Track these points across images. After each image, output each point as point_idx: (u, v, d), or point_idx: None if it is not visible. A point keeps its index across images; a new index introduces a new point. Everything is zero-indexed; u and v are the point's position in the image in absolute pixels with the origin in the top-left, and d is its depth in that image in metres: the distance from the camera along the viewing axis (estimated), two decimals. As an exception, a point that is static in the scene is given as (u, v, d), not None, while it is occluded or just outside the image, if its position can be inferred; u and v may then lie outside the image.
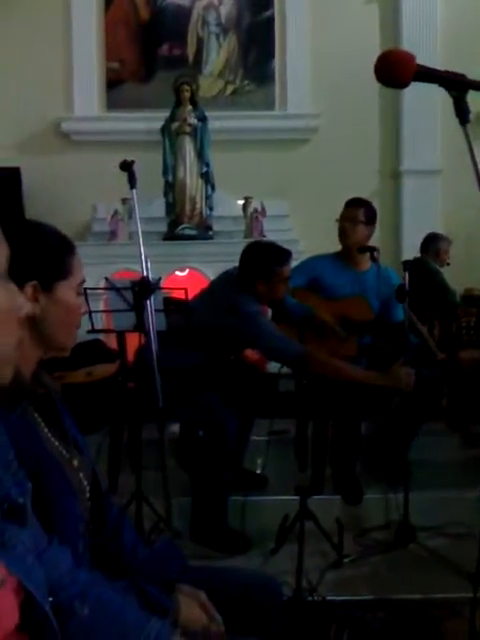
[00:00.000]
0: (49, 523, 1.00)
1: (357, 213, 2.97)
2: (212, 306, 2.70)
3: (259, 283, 2.69)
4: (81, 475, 1.16)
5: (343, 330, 2.91)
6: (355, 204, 3.00)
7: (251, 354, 3.58)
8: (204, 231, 4.74)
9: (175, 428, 3.11)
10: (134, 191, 2.27)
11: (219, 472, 2.48)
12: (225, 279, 2.82)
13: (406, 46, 4.81)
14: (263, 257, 2.73)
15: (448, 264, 4.46)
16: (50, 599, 0.85)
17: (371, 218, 3.01)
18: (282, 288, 2.74)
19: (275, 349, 2.66)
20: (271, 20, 5.24)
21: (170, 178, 4.71)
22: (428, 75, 1.04)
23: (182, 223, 4.70)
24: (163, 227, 4.72)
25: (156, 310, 2.36)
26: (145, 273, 2.27)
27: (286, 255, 2.76)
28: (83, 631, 0.88)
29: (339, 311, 2.93)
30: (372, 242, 3.07)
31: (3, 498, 0.78)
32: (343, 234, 3.00)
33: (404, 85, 1.05)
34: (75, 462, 1.16)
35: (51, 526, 1.00)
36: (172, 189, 4.72)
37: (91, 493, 1.18)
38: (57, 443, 1.14)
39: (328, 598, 2.00)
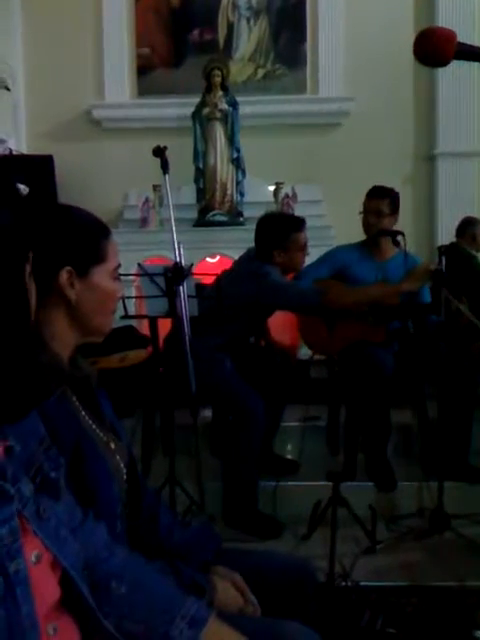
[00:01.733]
0: (88, 504, 1.01)
1: (381, 205, 2.90)
2: (235, 282, 2.72)
3: (277, 253, 2.71)
4: (118, 458, 1.18)
5: (372, 316, 2.89)
6: (379, 196, 2.92)
7: (281, 340, 3.57)
8: (235, 217, 4.73)
9: (208, 413, 3.13)
10: (166, 177, 2.27)
11: (248, 455, 2.49)
12: (245, 256, 2.85)
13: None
14: (277, 227, 2.76)
15: None
16: (84, 572, 0.86)
17: (395, 207, 2.95)
18: (300, 256, 2.77)
19: (295, 297, 2.69)
20: (302, 2, 5.16)
21: (201, 164, 4.70)
22: (470, 53, 1.01)
23: (213, 209, 4.69)
24: (194, 214, 4.72)
25: (188, 296, 2.37)
26: (178, 259, 2.28)
27: (300, 222, 2.80)
28: (120, 609, 0.90)
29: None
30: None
31: (36, 471, 0.79)
32: (368, 227, 2.95)
33: (444, 63, 1.02)
34: (112, 445, 1.17)
35: (91, 507, 1.02)
36: (203, 175, 4.72)
37: (128, 475, 1.20)
38: (94, 426, 1.15)
39: (361, 584, 2.00)
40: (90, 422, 1.15)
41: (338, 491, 2.14)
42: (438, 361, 2.54)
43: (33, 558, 0.73)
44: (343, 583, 1.96)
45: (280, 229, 2.74)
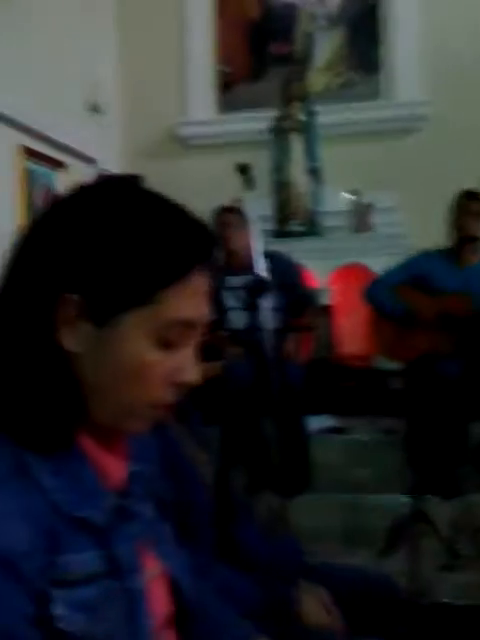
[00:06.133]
0: (182, 516, 1.06)
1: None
2: None
3: None
4: (206, 468, 1.23)
5: (443, 326, 2.82)
6: (478, 198, 2.88)
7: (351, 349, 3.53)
8: (312, 227, 4.74)
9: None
10: (250, 193, 2.30)
11: None
12: None
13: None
14: None
15: None
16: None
17: None
18: None
19: None
20: (376, 6, 5.11)
21: (279, 176, 4.75)
22: None
23: (290, 220, 4.72)
24: (271, 225, 4.76)
25: (271, 309, 2.40)
26: (259, 273, 2.31)
27: None
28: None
29: (440, 307, 2.84)
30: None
31: (152, 492, 0.83)
32: (462, 228, 2.90)
33: None
34: (202, 456, 1.22)
35: (184, 520, 1.07)
36: (280, 187, 4.75)
37: (216, 486, 1.24)
38: (183, 438, 1.21)
39: (444, 601, 1.97)
40: (180, 434, 1.21)
41: (419, 506, 2.12)
42: None
43: (150, 576, 0.76)
44: (425, 601, 1.94)
45: None
